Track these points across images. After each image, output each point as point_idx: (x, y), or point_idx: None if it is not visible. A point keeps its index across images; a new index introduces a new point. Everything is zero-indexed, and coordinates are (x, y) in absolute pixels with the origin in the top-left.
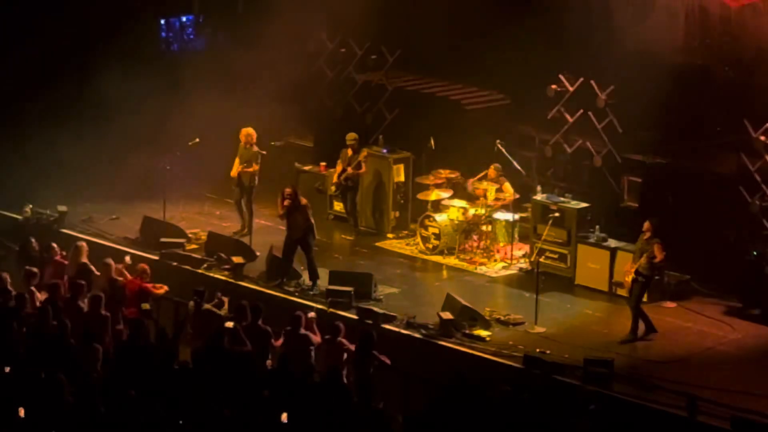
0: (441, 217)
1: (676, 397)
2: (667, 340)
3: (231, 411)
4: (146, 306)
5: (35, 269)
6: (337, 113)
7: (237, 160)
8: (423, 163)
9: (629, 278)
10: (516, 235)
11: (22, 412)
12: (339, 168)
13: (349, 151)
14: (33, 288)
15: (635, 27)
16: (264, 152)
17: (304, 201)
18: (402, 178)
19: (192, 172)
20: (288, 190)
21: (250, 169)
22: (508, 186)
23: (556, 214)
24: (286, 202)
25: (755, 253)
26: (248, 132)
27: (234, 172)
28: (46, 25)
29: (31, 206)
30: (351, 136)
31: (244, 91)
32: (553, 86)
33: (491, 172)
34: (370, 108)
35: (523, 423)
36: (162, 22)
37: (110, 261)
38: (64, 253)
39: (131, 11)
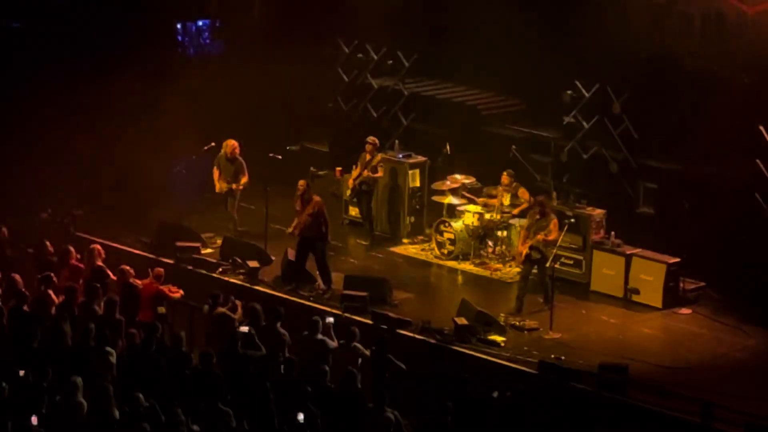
0: (456, 223)
1: (691, 403)
2: (682, 346)
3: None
4: (162, 310)
5: (51, 273)
6: (353, 118)
7: (216, 172)
8: (439, 168)
9: (524, 252)
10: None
11: (35, 420)
12: (356, 171)
13: (367, 156)
14: (49, 291)
15: (651, 33)
16: (279, 156)
17: (317, 198)
18: (417, 183)
19: (207, 176)
20: (301, 182)
21: (241, 186)
22: (524, 191)
23: (572, 220)
24: (298, 192)
25: None
26: (233, 144)
27: (220, 188)
28: (62, 28)
29: (46, 210)
30: (370, 140)
31: (259, 95)
32: (569, 92)
33: (504, 178)
34: (386, 113)
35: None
36: (178, 26)
37: (127, 267)
38: (79, 256)
39: (148, 15)
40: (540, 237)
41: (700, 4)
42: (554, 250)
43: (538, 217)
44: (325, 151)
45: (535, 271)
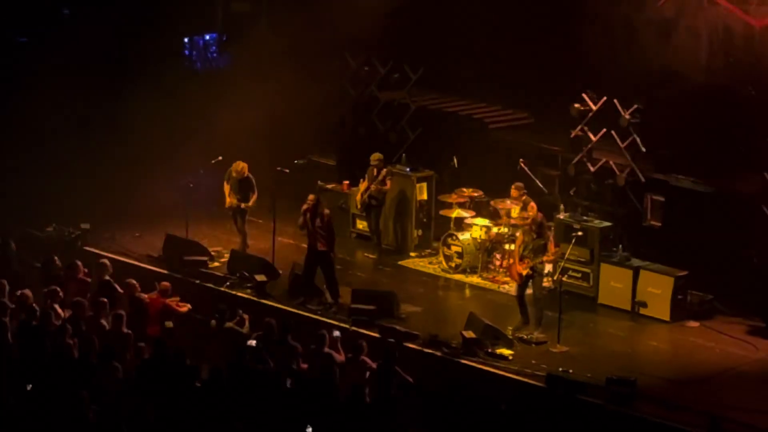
0: (464, 236)
1: (699, 417)
2: (690, 359)
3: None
4: (169, 324)
5: (57, 287)
6: (360, 132)
7: (227, 187)
8: (446, 182)
9: (524, 272)
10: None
11: None
12: (363, 186)
13: (374, 171)
14: (55, 305)
15: (658, 46)
16: (286, 170)
17: (326, 211)
18: (425, 197)
19: (215, 190)
20: (310, 197)
21: (250, 204)
22: (533, 205)
23: (579, 233)
24: (305, 206)
25: None
26: (243, 165)
27: (230, 203)
28: (69, 42)
29: (54, 224)
30: (375, 157)
31: (267, 108)
32: (577, 105)
33: (513, 191)
34: (393, 126)
35: None
36: (186, 40)
37: (132, 281)
38: (86, 270)
39: (155, 29)
40: (545, 259)
41: (707, 18)
42: (562, 263)
43: (534, 236)
44: (333, 165)
45: (530, 291)
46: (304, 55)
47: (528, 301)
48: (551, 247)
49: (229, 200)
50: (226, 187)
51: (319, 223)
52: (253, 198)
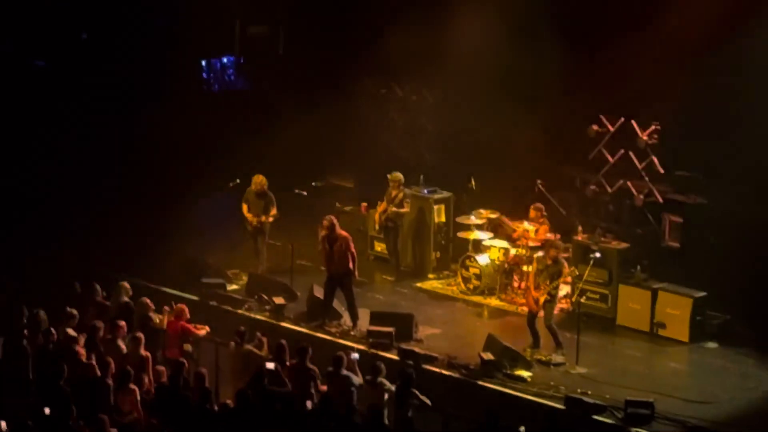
0: (482, 258)
1: None
2: (708, 381)
3: None
4: (188, 347)
5: (74, 310)
6: (379, 154)
7: (245, 207)
8: (464, 204)
9: (542, 299)
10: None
11: None
12: (381, 207)
13: (393, 191)
14: (72, 329)
15: (677, 68)
16: (305, 192)
17: (344, 233)
18: (443, 219)
19: (232, 212)
20: (325, 221)
21: (270, 218)
22: (545, 228)
23: (597, 255)
24: (322, 232)
25: None
26: (262, 179)
27: (254, 222)
28: (87, 66)
29: (72, 251)
30: (395, 176)
31: (283, 131)
32: (594, 126)
33: (531, 212)
34: (411, 149)
35: None
36: (203, 63)
37: (146, 300)
38: (105, 293)
39: (172, 52)
40: (561, 281)
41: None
42: (580, 285)
43: (549, 262)
44: (350, 187)
45: (541, 314)
46: (321, 79)
47: (539, 326)
48: (565, 271)
49: (249, 218)
50: (245, 207)
51: (337, 246)
52: (273, 211)
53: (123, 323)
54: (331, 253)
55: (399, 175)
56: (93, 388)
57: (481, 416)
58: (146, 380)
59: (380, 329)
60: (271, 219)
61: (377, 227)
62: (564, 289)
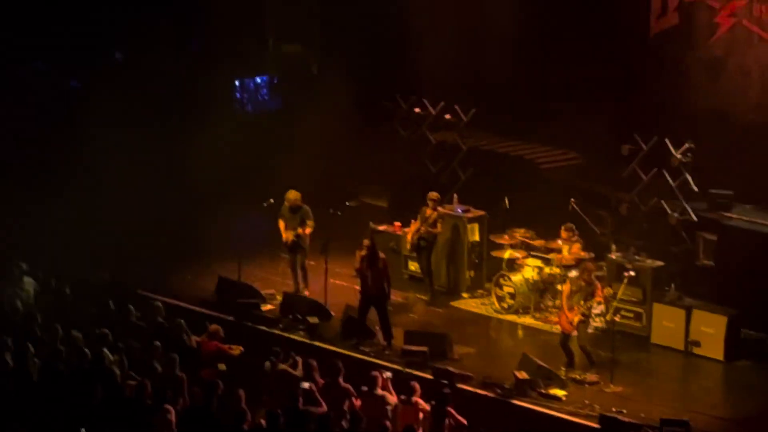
0: (516, 277)
1: None
2: (744, 399)
3: None
4: (222, 367)
5: (110, 331)
6: (412, 173)
7: (282, 223)
8: (498, 223)
9: (575, 320)
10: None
11: None
12: (415, 226)
13: (428, 211)
14: (108, 349)
15: (708, 86)
16: (339, 212)
17: (382, 256)
18: (477, 238)
19: (267, 233)
20: (366, 242)
21: (308, 230)
22: (578, 247)
23: (632, 273)
24: (362, 253)
25: None
26: (296, 194)
27: (290, 237)
28: (121, 87)
29: (107, 268)
30: (432, 195)
31: (318, 150)
32: (627, 145)
33: (563, 232)
34: (444, 167)
35: None
36: (237, 83)
37: (180, 321)
38: (139, 314)
39: (206, 73)
40: (596, 301)
41: (757, 56)
42: (615, 303)
43: (583, 284)
44: (384, 207)
45: (575, 333)
46: (353, 97)
47: (573, 345)
48: (599, 291)
49: (285, 235)
50: (281, 224)
51: (374, 266)
52: (309, 223)
53: (158, 344)
54: (368, 273)
55: (436, 194)
56: (129, 408)
57: None
58: (181, 401)
59: (415, 348)
60: (308, 231)
61: (409, 247)
62: (598, 308)
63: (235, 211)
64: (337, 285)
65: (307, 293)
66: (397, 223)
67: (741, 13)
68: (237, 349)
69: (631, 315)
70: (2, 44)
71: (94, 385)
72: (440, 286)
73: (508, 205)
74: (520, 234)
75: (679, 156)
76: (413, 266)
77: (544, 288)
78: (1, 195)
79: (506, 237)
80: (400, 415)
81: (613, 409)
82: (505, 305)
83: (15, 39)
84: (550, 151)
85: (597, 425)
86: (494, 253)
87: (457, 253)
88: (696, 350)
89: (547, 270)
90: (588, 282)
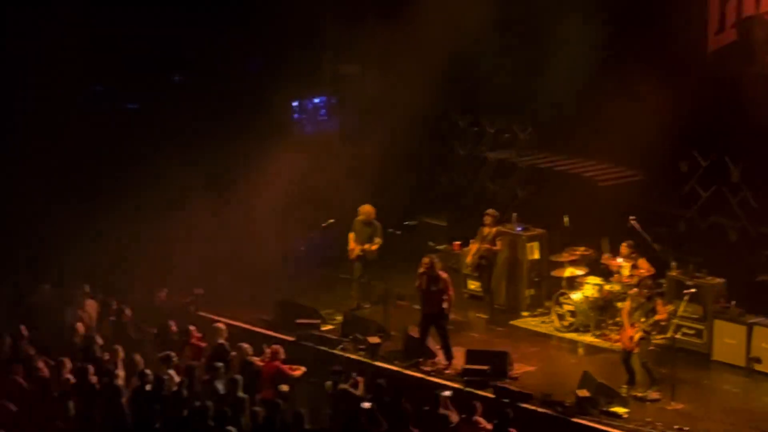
0: (576, 295)
1: None
2: None
3: None
4: (284, 388)
5: (172, 353)
6: (470, 192)
7: (352, 236)
8: (558, 241)
9: (636, 337)
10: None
11: None
12: (474, 245)
13: (486, 229)
14: (171, 371)
15: (766, 101)
16: (398, 231)
17: (444, 275)
18: (537, 256)
19: (326, 252)
20: (425, 260)
21: (374, 247)
22: (643, 261)
23: (693, 290)
24: (421, 270)
25: None
26: (369, 209)
27: (356, 251)
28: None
29: (166, 289)
30: (490, 212)
31: (377, 170)
32: (686, 162)
33: (623, 249)
34: (502, 186)
35: None
36: (295, 104)
37: (245, 345)
38: (200, 335)
39: (265, 94)
40: (658, 318)
41: None
42: (675, 320)
43: (643, 300)
44: (443, 226)
45: (636, 350)
46: (410, 117)
47: (635, 363)
48: (660, 308)
49: (352, 246)
50: (351, 237)
51: (435, 286)
52: (377, 241)
53: (220, 365)
54: (429, 292)
55: (493, 211)
56: (191, 430)
57: None
58: (244, 422)
59: (475, 367)
60: (374, 247)
61: (469, 267)
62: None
63: (295, 231)
64: (397, 305)
65: (366, 307)
66: (456, 242)
67: None
68: (299, 370)
69: (691, 332)
70: (66, 67)
71: (155, 406)
72: (499, 305)
73: (567, 224)
74: (580, 251)
75: (738, 172)
76: (473, 285)
77: (604, 305)
78: (62, 218)
79: (566, 254)
80: None
81: (675, 427)
82: (566, 323)
83: (78, 61)
84: (608, 168)
85: None
86: (554, 273)
87: (517, 271)
88: (757, 367)
89: (607, 287)
90: (649, 297)
